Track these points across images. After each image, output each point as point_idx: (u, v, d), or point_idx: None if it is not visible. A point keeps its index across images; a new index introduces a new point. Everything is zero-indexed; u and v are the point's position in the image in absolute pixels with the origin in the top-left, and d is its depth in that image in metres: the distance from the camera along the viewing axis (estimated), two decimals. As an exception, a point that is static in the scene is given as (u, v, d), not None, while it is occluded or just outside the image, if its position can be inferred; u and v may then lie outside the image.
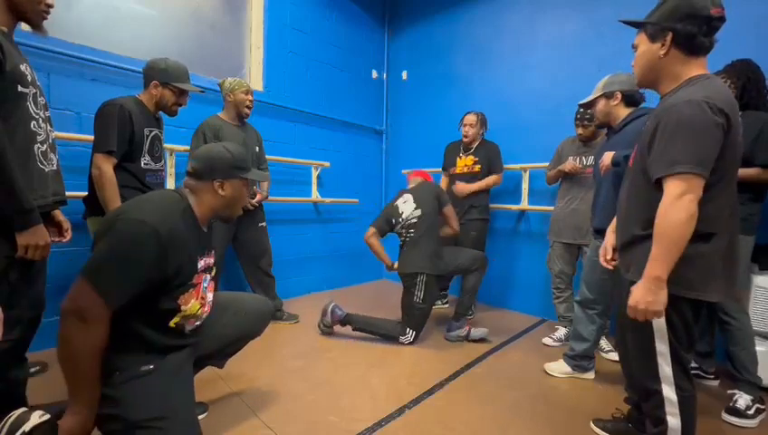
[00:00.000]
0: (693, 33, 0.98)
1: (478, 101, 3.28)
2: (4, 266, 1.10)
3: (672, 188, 0.96)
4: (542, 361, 2.09)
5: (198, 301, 1.17)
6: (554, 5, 2.83)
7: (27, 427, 1.04)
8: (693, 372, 1.89)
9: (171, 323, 1.10)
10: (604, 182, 1.75)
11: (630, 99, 1.71)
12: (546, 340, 2.39)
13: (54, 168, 1.28)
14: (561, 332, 2.39)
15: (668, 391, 1.09)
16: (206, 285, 1.21)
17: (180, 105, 1.85)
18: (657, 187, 1.01)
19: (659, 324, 1.06)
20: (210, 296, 1.25)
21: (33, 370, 1.64)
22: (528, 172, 2.90)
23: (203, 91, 1.98)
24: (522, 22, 3.02)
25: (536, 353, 2.24)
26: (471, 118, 2.78)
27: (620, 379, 1.90)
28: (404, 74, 3.92)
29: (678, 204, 0.95)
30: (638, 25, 1.11)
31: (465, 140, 2.81)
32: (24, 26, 1.24)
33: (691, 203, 0.95)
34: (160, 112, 1.85)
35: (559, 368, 1.97)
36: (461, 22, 3.42)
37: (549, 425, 1.54)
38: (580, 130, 2.26)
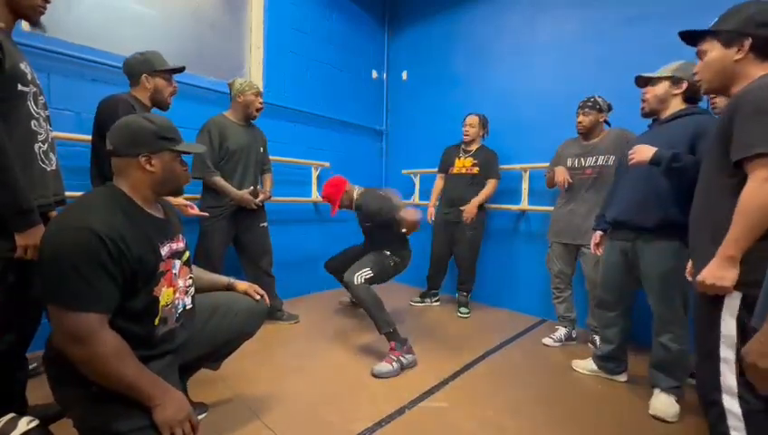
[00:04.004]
0: None
1: (478, 101, 3.28)
2: (1, 268, 1.10)
3: (757, 171, 0.95)
4: (542, 361, 2.09)
5: (170, 288, 1.08)
6: (554, 5, 2.82)
7: (16, 434, 1.03)
8: None
9: (156, 322, 1.03)
10: (629, 174, 1.65)
11: (693, 94, 1.61)
12: (546, 340, 2.38)
13: (54, 167, 1.28)
14: (562, 332, 2.39)
15: (730, 403, 1.00)
16: (175, 271, 1.12)
17: (174, 93, 1.85)
18: (736, 174, 1.00)
19: (728, 329, 1.00)
20: (182, 283, 1.15)
21: (31, 366, 1.64)
22: (528, 172, 2.89)
23: (183, 69, 1.88)
24: (522, 22, 3.02)
25: (536, 354, 2.24)
26: (473, 119, 2.86)
27: (623, 382, 1.91)
28: (404, 74, 3.91)
29: (765, 187, 0.93)
30: (703, 35, 1.14)
31: (465, 138, 2.87)
32: (24, 26, 1.24)
33: None
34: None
35: (585, 365, 1.99)
36: (461, 22, 3.42)
37: (549, 425, 1.54)
38: (580, 118, 2.22)
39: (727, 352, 1.00)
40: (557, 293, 2.40)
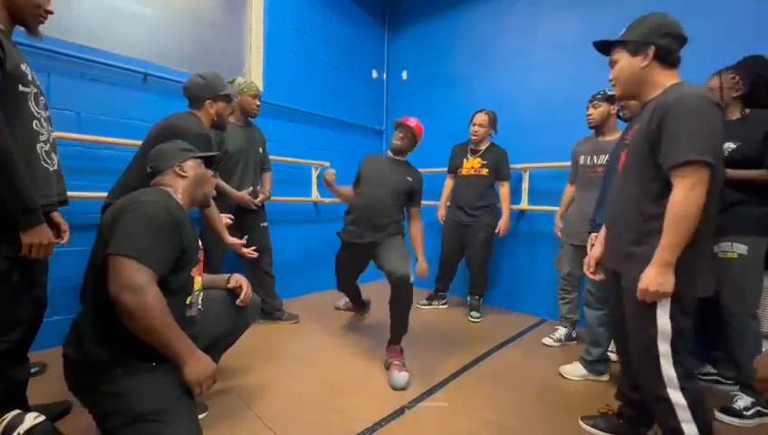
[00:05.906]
0: (672, 49, 1.14)
1: (478, 101, 3.28)
2: (6, 267, 1.10)
3: (685, 178, 1.01)
4: (541, 361, 2.09)
5: (200, 277, 1.25)
6: (555, 5, 2.83)
7: (22, 429, 1.04)
8: (712, 378, 1.86)
9: (188, 301, 1.18)
10: (613, 181, 1.65)
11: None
12: (546, 340, 2.38)
13: (56, 167, 1.28)
14: (561, 332, 2.39)
15: (676, 396, 1.08)
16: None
17: (232, 112, 1.89)
18: (665, 183, 1.06)
19: (663, 325, 1.08)
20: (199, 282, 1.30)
21: (33, 370, 1.64)
22: (528, 172, 2.90)
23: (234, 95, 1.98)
24: (522, 22, 3.02)
25: (536, 353, 2.24)
26: (482, 117, 2.74)
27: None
28: (404, 74, 3.92)
29: (692, 195, 1.00)
30: (613, 45, 1.25)
31: (473, 138, 2.78)
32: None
33: (702, 195, 1.00)
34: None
35: (574, 371, 1.95)
36: (461, 22, 3.42)
37: (548, 425, 1.55)
38: (589, 111, 2.16)
39: (664, 347, 1.09)
40: (563, 294, 2.37)
